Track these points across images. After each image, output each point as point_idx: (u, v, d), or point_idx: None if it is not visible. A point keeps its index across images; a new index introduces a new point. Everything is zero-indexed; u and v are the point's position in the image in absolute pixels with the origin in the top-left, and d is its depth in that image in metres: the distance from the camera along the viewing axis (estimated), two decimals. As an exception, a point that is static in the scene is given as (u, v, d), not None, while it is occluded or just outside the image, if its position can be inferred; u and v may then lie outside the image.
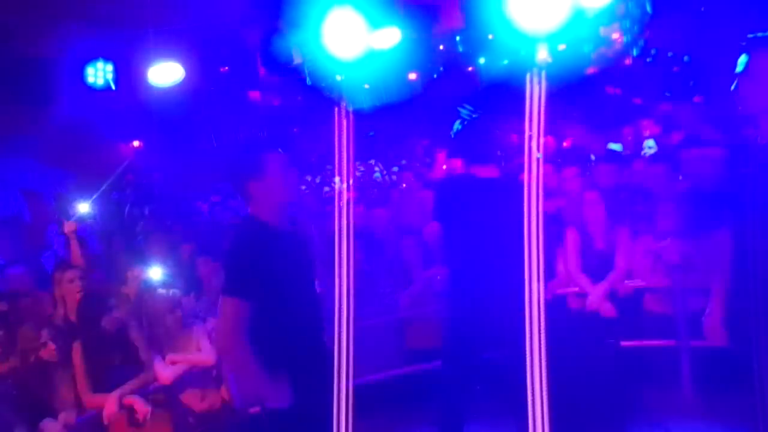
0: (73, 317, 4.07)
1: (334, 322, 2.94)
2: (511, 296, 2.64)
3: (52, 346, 3.61)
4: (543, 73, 2.26)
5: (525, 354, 2.52)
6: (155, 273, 4.51)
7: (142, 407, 3.58)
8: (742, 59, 2.25)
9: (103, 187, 10.15)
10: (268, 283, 2.35)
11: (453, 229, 3.29)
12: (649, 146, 5.90)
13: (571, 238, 4.07)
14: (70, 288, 4.34)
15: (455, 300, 3.36)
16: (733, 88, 2.29)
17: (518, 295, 2.49)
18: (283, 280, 2.41)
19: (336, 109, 2.90)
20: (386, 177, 7.40)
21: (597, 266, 3.99)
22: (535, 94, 2.44)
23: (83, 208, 8.55)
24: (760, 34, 2.23)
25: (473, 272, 3.11)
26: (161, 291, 4.00)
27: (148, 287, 4.21)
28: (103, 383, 3.64)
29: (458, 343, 3.34)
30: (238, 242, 2.44)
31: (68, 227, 5.78)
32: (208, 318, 4.21)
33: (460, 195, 3.27)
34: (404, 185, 4.27)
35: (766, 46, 2.18)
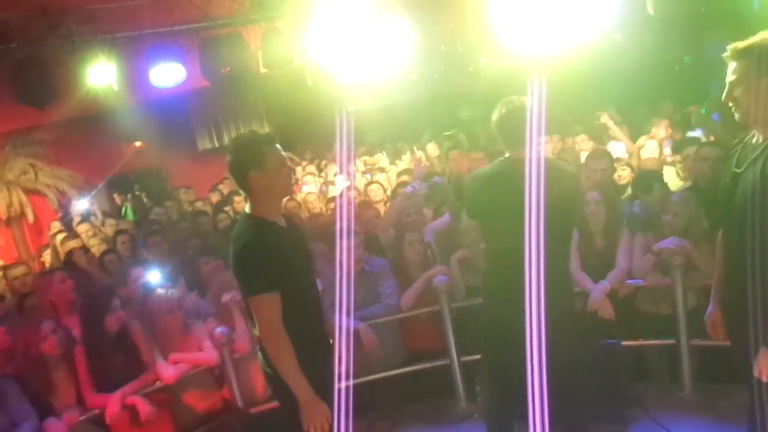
0: (64, 320, 4.05)
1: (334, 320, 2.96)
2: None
3: (52, 339, 3.60)
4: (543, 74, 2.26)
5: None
6: (156, 273, 4.53)
7: (144, 407, 3.59)
8: (731, 67, 2.26)
9: (105, 187, 10.20)
10: (285, 275, 2.43)
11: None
12: (652, 147, 5.89)
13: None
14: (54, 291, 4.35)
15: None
16: (724, 97, 2.30)
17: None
18: (295, 272, 2.49)
19: (337, 108, 2.92)
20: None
21: (597, 266, 3.98)
22: (536, 94, 2.44)
23: (85, 207, 8.61)
24: (741, 45, 2.24)
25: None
26: (162, 291, 4.00)
27: (149, 287, 4.22)
28: (105, 383, 3.65)
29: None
30: (247, 241, 2.43)
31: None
32: (209, 318, 4.22)
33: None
34: (407, 189, 4.24)
35: (750, 54, 2.20)
